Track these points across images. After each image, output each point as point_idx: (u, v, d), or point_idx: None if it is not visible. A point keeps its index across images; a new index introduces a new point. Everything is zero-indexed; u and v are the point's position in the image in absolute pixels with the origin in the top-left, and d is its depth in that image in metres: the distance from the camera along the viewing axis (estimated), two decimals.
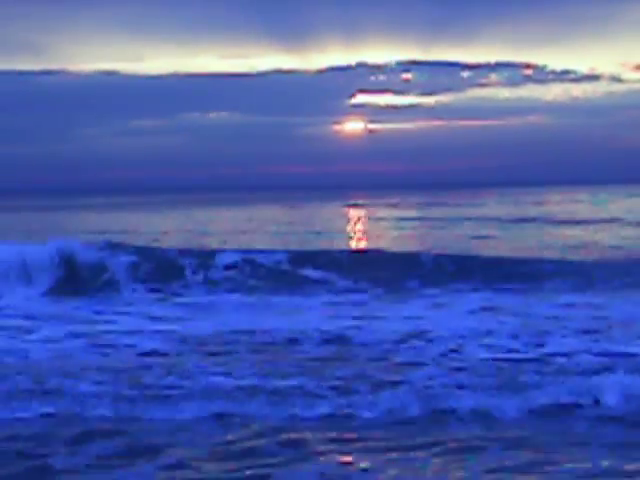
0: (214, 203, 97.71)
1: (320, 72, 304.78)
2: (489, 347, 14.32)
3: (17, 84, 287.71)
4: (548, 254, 28.44)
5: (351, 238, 39.36)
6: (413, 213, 62.68)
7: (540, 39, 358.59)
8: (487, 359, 13.50)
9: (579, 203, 73.56)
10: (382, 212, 65.74)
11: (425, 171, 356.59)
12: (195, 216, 65.09)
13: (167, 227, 48.53)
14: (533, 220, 48.90)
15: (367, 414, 10.28)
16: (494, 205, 73.71)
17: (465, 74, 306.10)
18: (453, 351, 14.09)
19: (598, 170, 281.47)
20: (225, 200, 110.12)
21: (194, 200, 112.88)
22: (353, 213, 65.75)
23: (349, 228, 45.26)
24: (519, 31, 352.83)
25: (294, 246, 31.51)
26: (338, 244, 33.64)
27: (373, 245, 33.84)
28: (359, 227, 46.37)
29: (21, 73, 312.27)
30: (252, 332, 16.04)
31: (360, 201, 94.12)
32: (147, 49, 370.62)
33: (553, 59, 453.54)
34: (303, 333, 15.70)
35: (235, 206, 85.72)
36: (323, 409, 10.41)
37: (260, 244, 32.72)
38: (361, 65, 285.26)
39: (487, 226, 44.77)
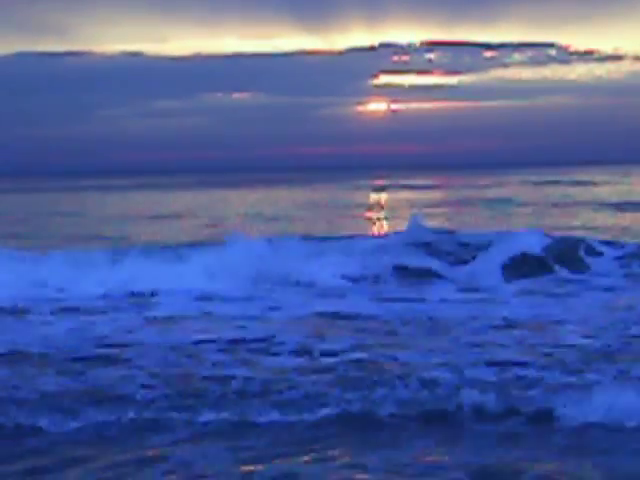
0: (256, 184, 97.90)
1: (343, 53, 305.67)
2: None
3: (42, 65, 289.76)
4: None
5: None
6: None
7: (563, 19, 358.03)
8: None
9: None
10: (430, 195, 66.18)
11: (448, 152, 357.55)
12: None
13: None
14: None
15: None
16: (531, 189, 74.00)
17: (488, 54, 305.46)
18: None
19: (623, 150, 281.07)
20: (265, 181, 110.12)
21: (228, 181, 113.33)
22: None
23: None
24: (542, 11, 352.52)
25: None
26: None
27: None
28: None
29: (46, 54, 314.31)
30: None
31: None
32: (171, 30, 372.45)
33: (577, 39, 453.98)
34: None
35: (286, 187, 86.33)
36: None
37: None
38: (384, 45, 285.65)
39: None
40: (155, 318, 16.00)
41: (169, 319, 15.86)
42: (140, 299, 18.14)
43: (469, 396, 9.90)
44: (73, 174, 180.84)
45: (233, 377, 11.16)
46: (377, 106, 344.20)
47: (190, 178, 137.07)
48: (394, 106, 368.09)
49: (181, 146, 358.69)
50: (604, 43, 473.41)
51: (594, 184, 74.69)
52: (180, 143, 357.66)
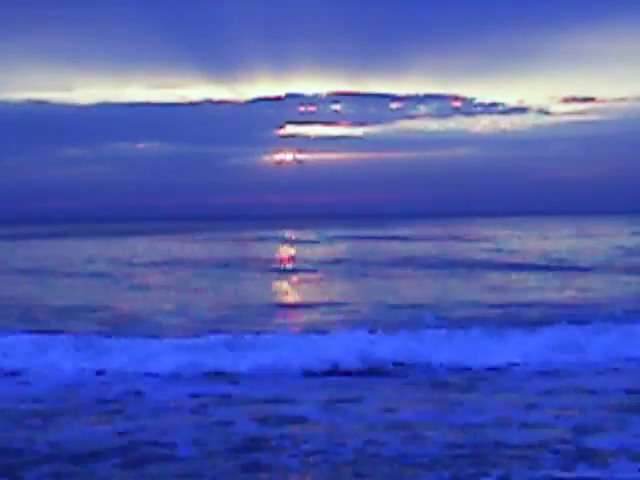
0: (161, 233, 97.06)
1: (250, 103, 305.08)
2: None
3: None
4: None
5: None
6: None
7: (468, 72, 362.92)
8: None
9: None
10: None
11: (354, 202, 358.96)
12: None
13: None
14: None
15: None
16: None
17: (394, 105, 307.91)
18: None
19: (526, 202, 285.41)
20: (177, 230, 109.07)
21: (135, 230, 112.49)
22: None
23: None
24: (447, 63, 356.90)
25: None
26: None
27: None
28: None
29: None
30: None
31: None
32: (77, 78, 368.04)
33: (481, 91, 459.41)
34: None
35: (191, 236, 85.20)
36: None
37: None
38: (291, 96, 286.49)
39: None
40: None
41: None
42: None
43: None
44: None
45: None
46: (283, 156, 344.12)
47: (90, 226, 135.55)
48: (300, 156, 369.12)
49: (87, 195, 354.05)
50: (508, 96, 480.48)
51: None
52: (86, 192, 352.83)
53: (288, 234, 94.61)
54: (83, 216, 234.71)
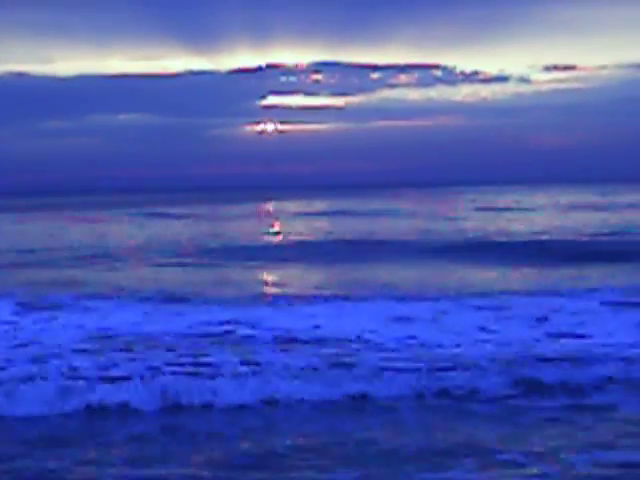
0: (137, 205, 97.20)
1: (231, 73, 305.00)
2: None
3: None
4: None
5: None
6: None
7: (449, 40, 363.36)
8: None
9: None
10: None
11: (335, 172, 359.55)
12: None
13: None
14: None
15: None
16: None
17: (375, 75, 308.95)
18: None
19: (506, 170, 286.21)
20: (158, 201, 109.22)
21: (114, 202, 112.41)
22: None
23: None
24: (428, 32, 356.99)
25: None
26: None
27: None
28: None
29: None
30: None
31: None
32: (57, 51, 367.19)
33: (462, 60, 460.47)
34: None
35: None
36: None
37: None
38: (271, 66, 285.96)
39: None
40: None
41: None
42: None
43: None
44: None
45: None
46: (265, 127, 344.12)
47: (73, 199, 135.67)
48: (282, 127, 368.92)
49: (67, 167, 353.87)
50: (489, 65, 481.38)
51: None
52: (66, 164, 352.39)
53: (267, 207, 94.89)
54: (64, 189, 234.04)
